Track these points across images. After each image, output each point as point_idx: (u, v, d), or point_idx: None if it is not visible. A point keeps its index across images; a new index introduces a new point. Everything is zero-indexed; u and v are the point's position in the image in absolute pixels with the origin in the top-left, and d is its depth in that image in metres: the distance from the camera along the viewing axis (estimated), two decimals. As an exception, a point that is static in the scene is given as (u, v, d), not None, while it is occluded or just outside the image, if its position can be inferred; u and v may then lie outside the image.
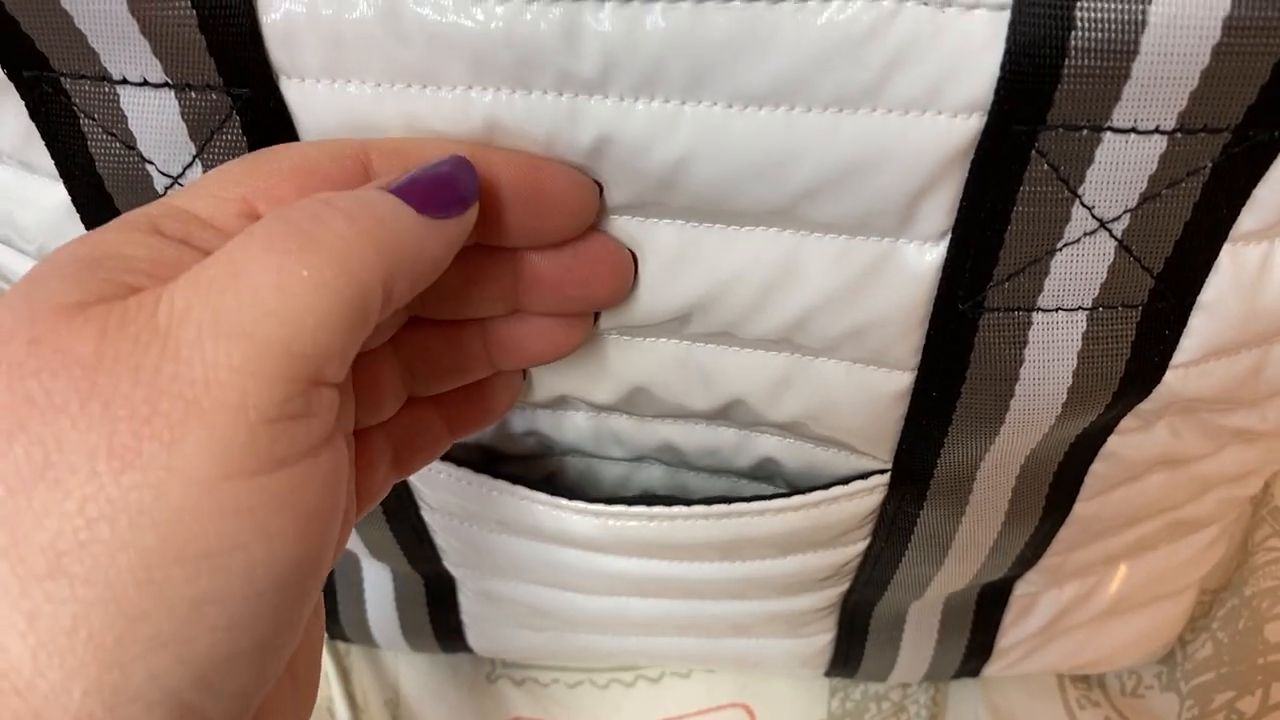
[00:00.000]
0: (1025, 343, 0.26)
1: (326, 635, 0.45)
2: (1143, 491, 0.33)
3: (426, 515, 0.35)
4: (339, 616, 0.43)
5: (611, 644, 0.41)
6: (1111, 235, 0.23)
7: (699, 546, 0.32)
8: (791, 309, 0.26)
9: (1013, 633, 0.41)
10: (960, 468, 0.30)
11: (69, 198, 0.26)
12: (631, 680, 0.47)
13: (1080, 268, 0.24)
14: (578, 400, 0.30)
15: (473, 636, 0.42)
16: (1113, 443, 0.30)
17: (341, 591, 0.42)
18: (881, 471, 0.30)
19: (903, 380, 0.27)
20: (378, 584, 0.41)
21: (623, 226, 0.25)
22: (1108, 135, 0.21)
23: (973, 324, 0.25)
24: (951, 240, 0.24)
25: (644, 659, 0.42)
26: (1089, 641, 0.43)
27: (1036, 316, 0.25)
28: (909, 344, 0.26)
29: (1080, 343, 0.26)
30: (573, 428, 0.31)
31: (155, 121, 0.24)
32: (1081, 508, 0.33)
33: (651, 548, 0.33)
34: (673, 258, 0.25)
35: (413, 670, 0.48)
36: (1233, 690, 0.44)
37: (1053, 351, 0.26)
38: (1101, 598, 0.40)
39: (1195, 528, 0.38)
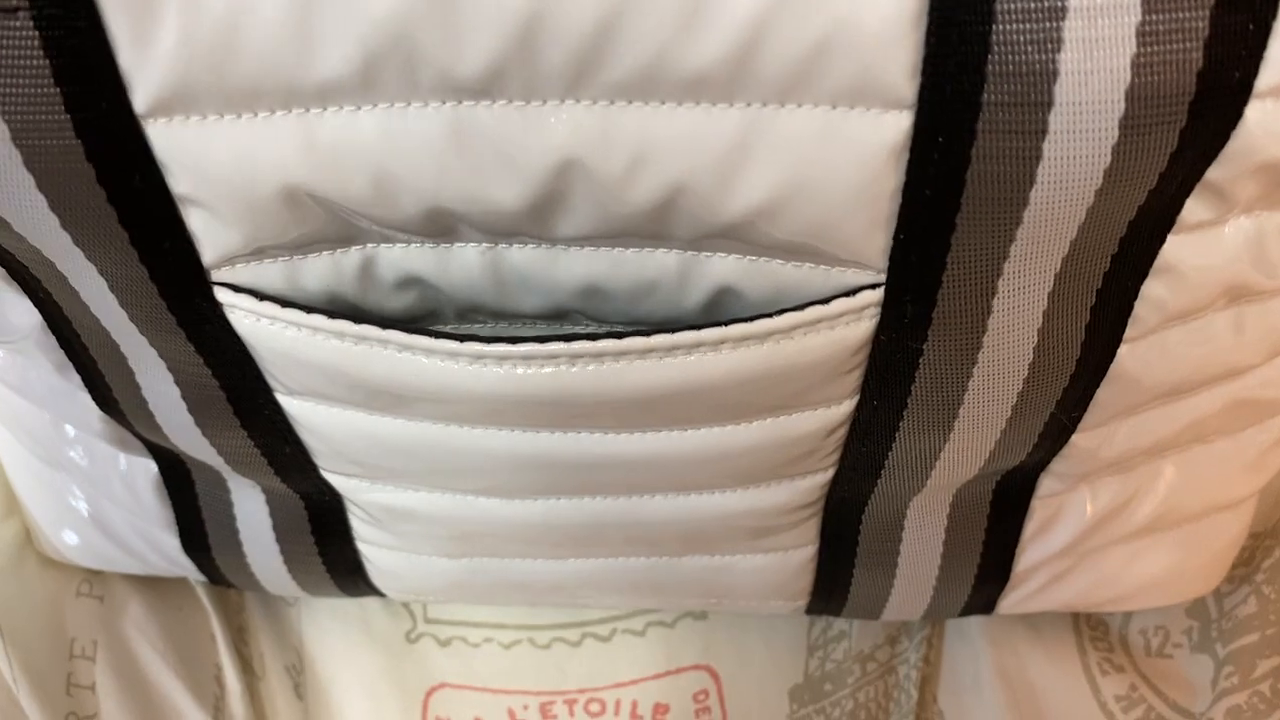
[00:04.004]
0: (1059, 43, 0.19)
1: (208, 582, 0.39)
2: (1203, 338, 0.28)
3: (285, 402, 0.28)
4: (213, 555, 0.37)
5: (544, 571, 0.35)
6: None
7: (637, 404, 0.26)
8: (739, 12, 0.19)
9: (1035, 549, 0.36)
10: (977, 272, 0.24)
11: None
12: (578, 639, 0.42)
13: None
14: (464, 219, 0.23)
15: (375, 573, 0.36)
16: (1173, 248, 0.25)
17: (210, 522, 0.35)
18: (873, 286, 0.24)
19: (898, 125, 0.21)
20: (250, 509, 0.35)
21: None
22: None
23: (988, 10, 0.19)
24: None
25: (585, 594, 0.36)
26: (1122, 567, 0.38)
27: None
28: (902, 59, 0.20)
29: (1134, 44, 0.19)
30: (462, 268, 0.25)
31: None
32: (1128, 354, 0.28)
33: (576, 411, 0.26)
34: None
35: (318, 629, 0.43)
36: None
37: (1097, 57, 0.20)
38: (1142, 509, 0.36)
39: (1260, 414, 0.33)
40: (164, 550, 0.37)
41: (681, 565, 0.34)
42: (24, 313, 0.28)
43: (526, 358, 0.25)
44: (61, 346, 0.29)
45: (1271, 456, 0.36)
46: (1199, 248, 0.25)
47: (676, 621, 0.42)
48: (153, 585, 0.40)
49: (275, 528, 0.35)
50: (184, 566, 0.38)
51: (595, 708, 0.41)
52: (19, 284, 0.27)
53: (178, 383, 0.28)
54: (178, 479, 0.34)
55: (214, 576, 0.38)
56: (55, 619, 0.38)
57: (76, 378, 0.30)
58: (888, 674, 0.44)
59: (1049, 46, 0.19)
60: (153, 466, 0.34)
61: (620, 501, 0.31)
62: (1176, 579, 0.39)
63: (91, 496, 0.36)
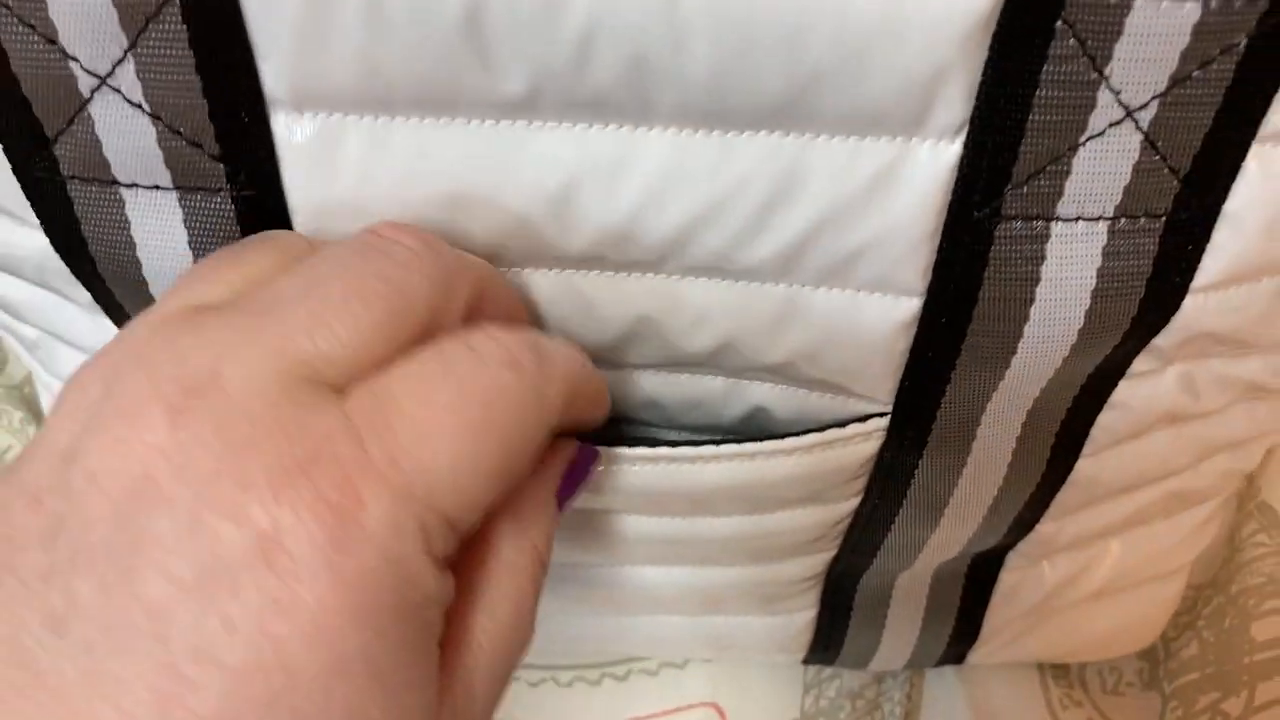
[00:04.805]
0: (1042, 259, 0.24)
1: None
2: (1146, 451, 0.32)
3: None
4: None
5: (576, 625, 0.38)
6: (1137, 126, 0.22)
7: (681, 497, 0.30)
8: (792, 229, 0.24)
9: (1001, 613, 0.40)
10: (965, 410, 0.28)
11: (-20, 104, 0.24)
12: (597, 678, 0.45)
13: (1104, 167, 0.22)
14: None
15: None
16: (1123, 389, 0.29)
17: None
18: (881, 415, 0.28)
19: (909, 307, 0.25)
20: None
21: (609, 138, 0.23)
22: (1139, 1, 0.20)
23: (988, 236, 0.23)
24: (969, 134, 0.22)
25: (610, 644, 0.39)
26: (1076, 626, 0.42)
27: (1055, 228, 0.23)
28: (917, 264, 0.24)
29: (1100, 259, 0.24)
30: None
31: (81, 7, 0.21)
32: (1084, 465, 0.31)
33: (630, 500, 0.30)
34: (665, 173, 0.23)
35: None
36: (1217, 691, 0.43)
37: (1071, 269, 0.24)
38: (1092, 577, 0.39)
39: (1191, 502, 0.37)
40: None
41: (698, 623, 0.38)
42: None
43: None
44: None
45: (1201, 533, 0.39)
46: (1144, 389, 0.29)
47: (686, 664, 0.45)
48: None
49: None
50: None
51: (613, 739, 0.44)
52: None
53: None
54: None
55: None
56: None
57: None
58: (874, 709, 0.46)
59: (1034, 260, 0.24)
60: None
61: (652, 570, 0.35)
62: (1122, 635, 0.43)
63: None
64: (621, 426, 0.30)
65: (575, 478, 0.26)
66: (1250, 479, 0.47)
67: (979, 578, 0.38)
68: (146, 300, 0.26)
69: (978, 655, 0.42)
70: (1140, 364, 0.28)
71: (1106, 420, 0.30)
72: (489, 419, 0.20)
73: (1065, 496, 0.33)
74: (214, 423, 0.18)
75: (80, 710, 0.16)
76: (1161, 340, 0.27)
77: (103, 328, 0.29)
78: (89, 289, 0.27)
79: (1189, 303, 0.25)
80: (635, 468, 0.29)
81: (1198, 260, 0.24)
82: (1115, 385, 0.28)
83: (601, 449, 0.28)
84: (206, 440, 0.18)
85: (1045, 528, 0.35)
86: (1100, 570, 0.39)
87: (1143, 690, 0.47)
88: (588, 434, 0.27)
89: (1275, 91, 0.22)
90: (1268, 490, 0.46)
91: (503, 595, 0.22)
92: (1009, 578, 0.38)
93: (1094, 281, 0.24)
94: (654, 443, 0.28)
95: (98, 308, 0.28)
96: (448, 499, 0.19)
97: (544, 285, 0.26)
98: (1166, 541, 0.38)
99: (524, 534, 0.23)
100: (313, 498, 0.18)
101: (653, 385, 0.29)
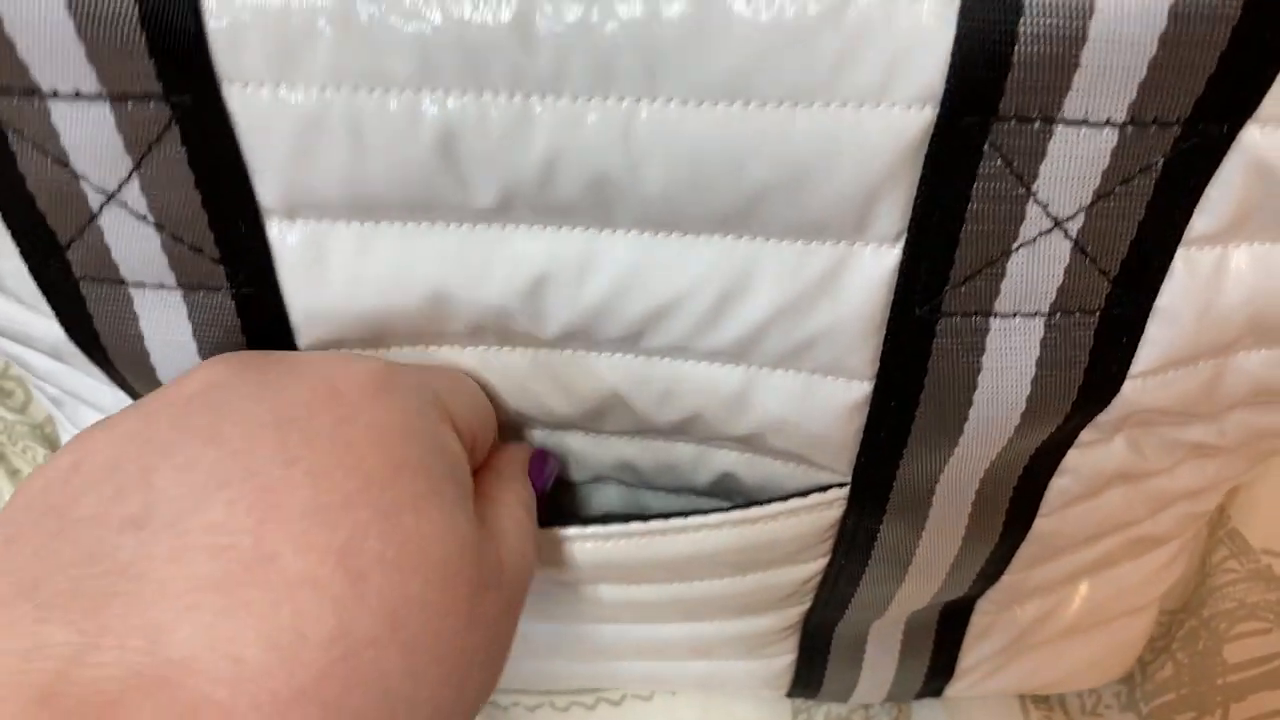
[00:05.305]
0: (983, 350, 0.25)
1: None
2: (1102, 507, 0.33)
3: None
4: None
5: (569, 669, 0.40)
6: (1066, 235, 0.23)
7: (659, 565, 0.32)
8: (748, 320, 0.25)
9: (975, 652, 0.41)
10: (920, 481, 0.29)
11: (-1, 217, 0.25)
12: (593, 703, 0.47)
13: (1037, 270, 0.24)
14: (533, 420, 0.29)
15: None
16: (1072, 457, 0.30)
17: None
18: (841, 485, 0.29)
19: (860, 390, 0.26)
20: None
21: (576, 239, 0.25)
22: (1060, 128, 0.21)
23: (930, 330, 0.25)
24: (907, 241, 0.23)
25: (605, 682, 0.41)
26: (1051, 660, 0.43)
27: (994, 322, 0.25)
28: (866, 353, 0.26)
29: (1038, 350, 0.25)
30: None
31: (89, 136, 0.23)
32: (1042, 524, 0.33)
33: (611, 571, 0.32)
34: (628, 270, 0.25)
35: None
36: (1192, 711, 0.44)
37: (1011, 359, 0.26)
38: (1063, 616, 0.40)
39: (1155, 545, 0.38)
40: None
41: (686, 666, 0.39)
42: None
43: (571, 539, 0.31)
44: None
45: (1167, 572, 0.40)
46: (1092, 455, 0.30)
47: (677, 690, 0.46)
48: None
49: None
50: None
51: (607, 761, 0.45)
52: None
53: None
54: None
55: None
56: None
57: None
58: (863, 735, 0.47)
59: (975, 350, 0.25)
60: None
61: (640, 627, 0.36)
62: (1096, 667, 0.44)
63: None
64: (599, 488, 0.32)
65: (540, 469, 0.30)
66: (1220, 507, 0.48)
67: (950, 622, 0.39)
68: (155, 383, 0.28)
69: (955, 689, 0.43)
70: (1087, 435, 0.29)
71: (1059, 485, 0.31)
72: (461, 386, 0.27)
73: (1026, 551, 0.34)
74: (260, 358, 0.24)
75: (171, 574, 0.19)
76: (1105, 417, 0.28)
77: (121, 400, 0.31)
78: (103, 370, 0.29)
79: (1128, 386, 0.27)
80: (611, 544, 0.31)
81: (1133, 351, 0.26)
82: (1064, 454, 0.30)
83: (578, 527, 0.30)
84: (258, 362, 0.24)
85: (1011, 579, 0.36)
86: (1071, 609, 0.40)
87: (1121, 712, 0.48)
88: (568, 516, 0.30)
89: (1195, 203, 0.23)
90: (1238, 518, 0.48)
91: (507, 516, 0.26)
92: (980, 620, 0.39)
93: (1034, 370, 0.26)
94: (627, 519, 0.30)
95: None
96: (451, 403, 0.25)
97: (520, 363, 0.27)
98: (1134, 579, 0.39)
99: (506, 484, 0.27)
100: (359, 366, 0.24)
101: (627, 451, 0.30)
